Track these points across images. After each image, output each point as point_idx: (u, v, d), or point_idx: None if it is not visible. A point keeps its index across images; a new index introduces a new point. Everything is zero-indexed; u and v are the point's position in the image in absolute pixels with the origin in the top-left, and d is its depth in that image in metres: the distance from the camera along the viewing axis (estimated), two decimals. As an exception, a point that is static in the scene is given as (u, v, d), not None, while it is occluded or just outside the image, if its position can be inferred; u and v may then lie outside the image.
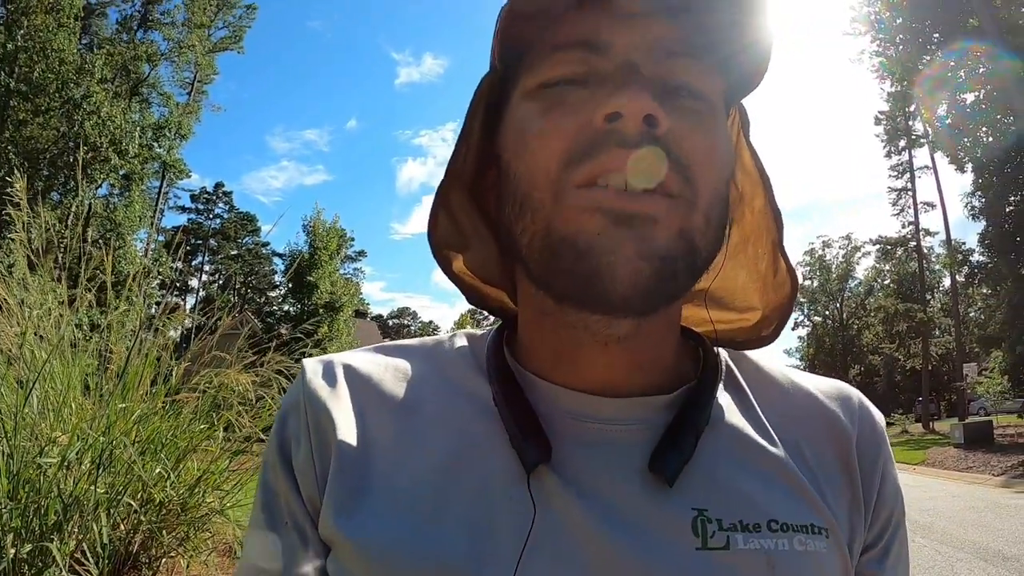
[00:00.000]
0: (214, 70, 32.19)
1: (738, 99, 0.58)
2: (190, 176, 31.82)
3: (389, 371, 0.59)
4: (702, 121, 0.49)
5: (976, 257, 24.78)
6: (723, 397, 0.57)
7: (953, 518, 8.42)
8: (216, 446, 3.17)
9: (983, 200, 21.68)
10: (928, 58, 21.44)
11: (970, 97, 20.97)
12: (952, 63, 19.86)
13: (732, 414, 0.56)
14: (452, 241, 0.61)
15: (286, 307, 29.79)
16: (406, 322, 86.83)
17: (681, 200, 0.47)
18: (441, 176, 0.58)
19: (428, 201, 0.59)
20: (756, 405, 0.57)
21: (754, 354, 0.64)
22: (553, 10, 0.50)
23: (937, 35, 20.91)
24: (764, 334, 0.63)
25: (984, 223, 22.01)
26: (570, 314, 0.51)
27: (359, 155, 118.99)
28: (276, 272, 58.89)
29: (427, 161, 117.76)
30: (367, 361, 0.59)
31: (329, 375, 0.58)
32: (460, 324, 62.73)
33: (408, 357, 0.61)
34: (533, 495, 0.48)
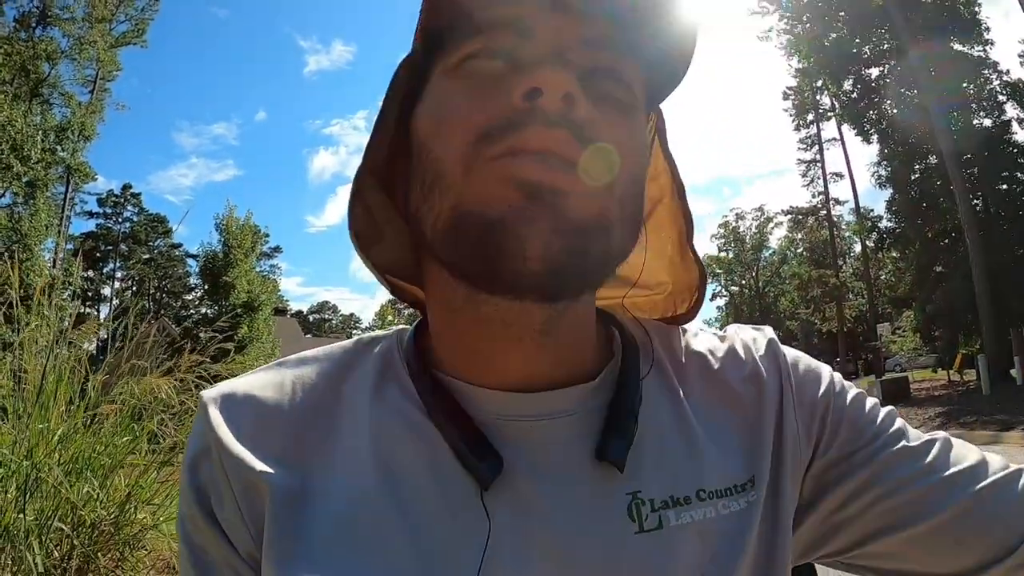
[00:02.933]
0: (117, 66, 30.39)
1: (656, 103, 0.57)
2: (96, 179, 29.97)
3: (298, 390, 0.53)
4: (623, 111, 0.49)
5: (884, 223, 25.96)
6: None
7: (877, 471, 8.89)
8: (141, 459, 3.04)
9: (889, 169, 22.80)
10: (834, 35, 22.33)
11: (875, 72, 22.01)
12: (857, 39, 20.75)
13: (652, 389, 0.55)
14: (368, 233, 0.57)
15: (203, 310, 28.59)
16: (327, 316, 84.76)
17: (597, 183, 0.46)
18: (356, 165, 0.54)
19: (342, 192, 0.55)
20: (672, 374, 0.57)
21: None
22: None
23: (843, 13, 21.77)
24: (680, 312, 0.64)
25: (891, 191, 23.19)
26: (481, 305, 0.48)
27: (270, 148, 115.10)
28: (191, 274, 56.59)
29: (339, 150, 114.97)
30: (270, 385, 0.54)
31: (234, 411, 0.52)
32: (381, 315, 61.76)
33: (312, 371, 0.55)
34: (487, 508, 0.47)
